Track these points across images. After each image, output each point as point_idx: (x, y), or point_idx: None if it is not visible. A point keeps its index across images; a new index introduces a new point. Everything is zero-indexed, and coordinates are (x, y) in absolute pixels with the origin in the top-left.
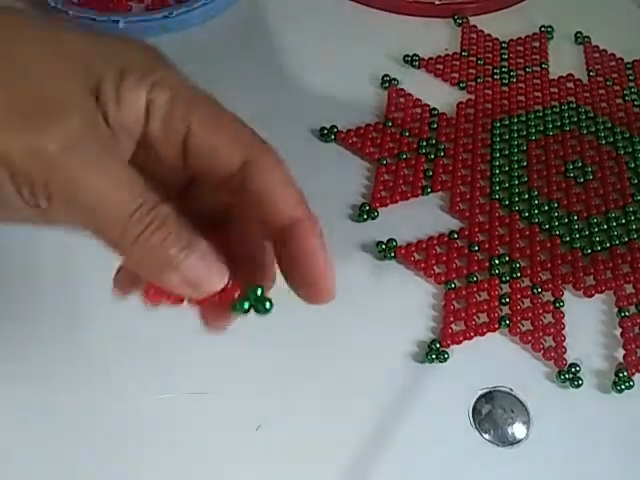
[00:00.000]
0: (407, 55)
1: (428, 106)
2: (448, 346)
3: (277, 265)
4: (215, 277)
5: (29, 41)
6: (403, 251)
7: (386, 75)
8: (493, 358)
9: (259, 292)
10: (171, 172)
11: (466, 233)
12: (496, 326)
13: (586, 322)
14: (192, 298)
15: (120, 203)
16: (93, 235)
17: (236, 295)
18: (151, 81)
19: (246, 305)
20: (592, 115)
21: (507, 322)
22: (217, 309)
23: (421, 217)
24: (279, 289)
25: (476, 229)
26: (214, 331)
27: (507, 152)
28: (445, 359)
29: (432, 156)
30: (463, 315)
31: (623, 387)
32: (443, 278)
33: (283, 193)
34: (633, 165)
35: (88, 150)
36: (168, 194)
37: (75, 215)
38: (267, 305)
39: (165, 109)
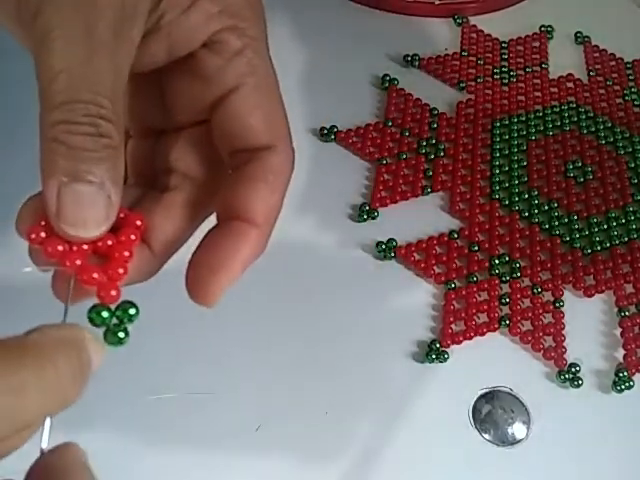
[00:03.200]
0: (407, 55)
1: (428, 106)
2: (448, 346)
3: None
4: (91, 222)
5: None
6: (403, 251)
7: (386, 75)
8: (493, 358)
9: (130, 312)
10: (192, 111)
11: (466, 233)
12: (496, 326)
13: (586, 322)
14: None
15: (84, 80)
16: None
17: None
18: (221, 25)
19: (105, 314)
20: (592, 115)
21: (507, 322)
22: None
23: (421, 217)
24: (280, 290)
25: (476, 229)
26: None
27: (507, 152)
28: (445, 359)
29: (432, 156)
30: (463, 315)
31: (623, 387)
32: (443, 278)
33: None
34: (633, 165)
35: (93, 19)
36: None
37: (40, 69)
38: (120, 335)
39: (228, 58)
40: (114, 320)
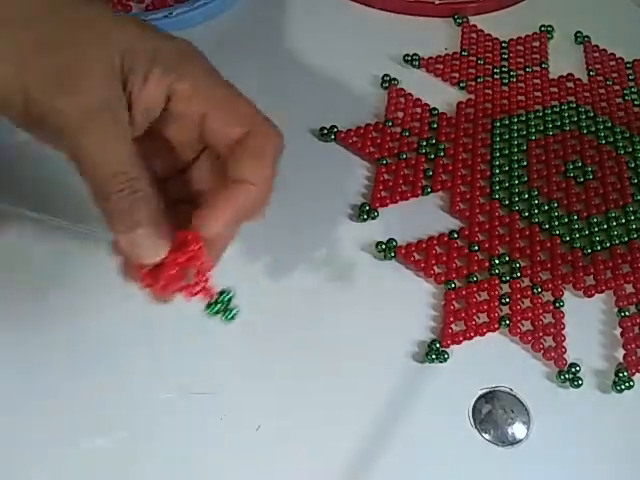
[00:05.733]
0: (407, 55)
1: (428, 106)
2: (448, 346)
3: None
4: (153, 251)
5: (84, 17)
6: (403, 251)
7: (386, 75)
8: (493, 358)
9: (226, 298)
10: (181, 137)
11: (466, 233)
12: (496, 326)
13: (586, 322)
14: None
15: (112, 169)
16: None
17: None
18: (176, 74)
19: (215, 309)
20: (592, 115)
21: (507, 322)
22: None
23: (421, 217)
24: (280, 290)
25: (476, 229)
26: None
27: (507, 152)
28: (445, 359)
29: (432, 156)
30: (463, 315)
31: (623, 387)
32: (443, 278)
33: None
34: (633, 165)
35: (102, 122)
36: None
37: (77, 163)
38: (229, 315)
39: (187, 98)
40: (220, 307)
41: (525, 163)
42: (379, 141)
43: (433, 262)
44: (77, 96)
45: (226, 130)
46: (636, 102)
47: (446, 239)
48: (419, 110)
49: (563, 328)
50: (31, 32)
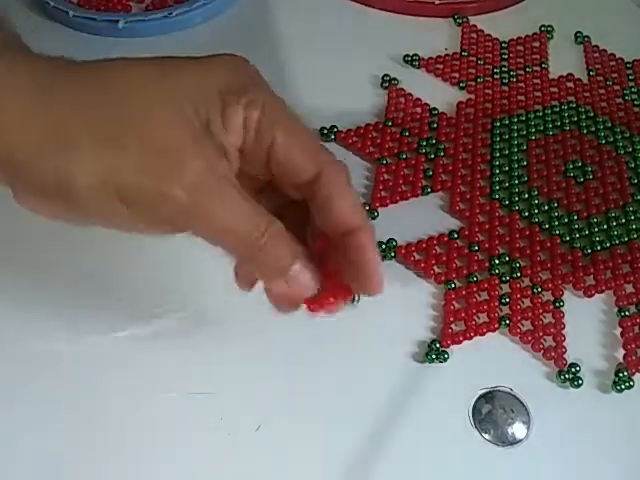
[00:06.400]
0: (407, 55)
1: (428, 106)
2: (448, 346)
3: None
4: (312, 282)
5: (141, 87)
6: (403, 251)
7: (386, 75)
8: (493, 358)
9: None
10: (261, 173)
11: (466, 233)
12: (496, 326)
13: (586, 322)
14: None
15: (245, 232)
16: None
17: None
18: (245, 101)
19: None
20: (592, 115)
21: (507, 322)
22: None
23: (421, 217)
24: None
25: (476, 229)
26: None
27: (507, 152)
28: (445, 359)
29: (432, 156)
30: (463, 315)
31: (623, 387)
32: (443, 278)
33: (343, 203)
34: (633, 165)
35: (212, 190)
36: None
37: (208, 239)
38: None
39: (256, 125)
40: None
41: (525, 163)
42: (379, 141)
43: (433, 262)
44: (178, 178)
45: (297, 169)
46: (636, 102)
47: (446, 239)
48: (419, 110)
49: (563, 328)
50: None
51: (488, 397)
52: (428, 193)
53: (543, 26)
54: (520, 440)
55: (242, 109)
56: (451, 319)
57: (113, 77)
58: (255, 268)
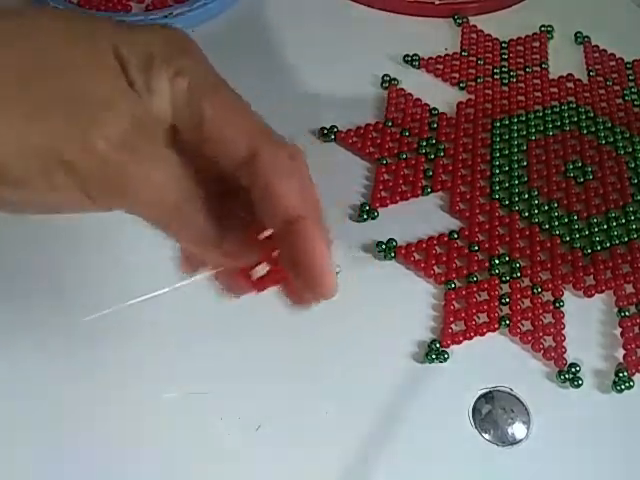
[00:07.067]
0: (407, 55)
1: (428, 106)
2: (448, 346)
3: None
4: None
5: (64, 39)
6: (403, 251)
7: (386, 75)
8: (493, 358)
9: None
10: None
11: (466, 233)
12: (496, 326)
13: (586, 322)
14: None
15: (170, 199)
16: (140, 218)
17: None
18: (173, 69)
19: None
20: (592, 115)
21: (507, 322)
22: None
23: (421, 217)
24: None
25: (476, 229)
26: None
27: (507, 152)
28: (445, 359)
29: (432, 156)
30: (463, 315)
31: (623, 387)
32: (443, 278)
33: (284, 188)
34: (633, 165)
35: (139, 148)
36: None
37: (126, 206)
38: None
39: (186, 96)
40: None
41: (525, 163)
42: (379, 141)
43: (433, 262)
44: (98, 128)
45: (230, 145)
46: (636, 102)
47: (446, 239)
48: (419, 110)
49: (563, 328)
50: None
51: (488, 397)
52: (428, 193)
53: (543, 26)
54: (520, 440)
55: (169, 76)
56: (451, 319)
57: (33, 31)
58: (179, 240)
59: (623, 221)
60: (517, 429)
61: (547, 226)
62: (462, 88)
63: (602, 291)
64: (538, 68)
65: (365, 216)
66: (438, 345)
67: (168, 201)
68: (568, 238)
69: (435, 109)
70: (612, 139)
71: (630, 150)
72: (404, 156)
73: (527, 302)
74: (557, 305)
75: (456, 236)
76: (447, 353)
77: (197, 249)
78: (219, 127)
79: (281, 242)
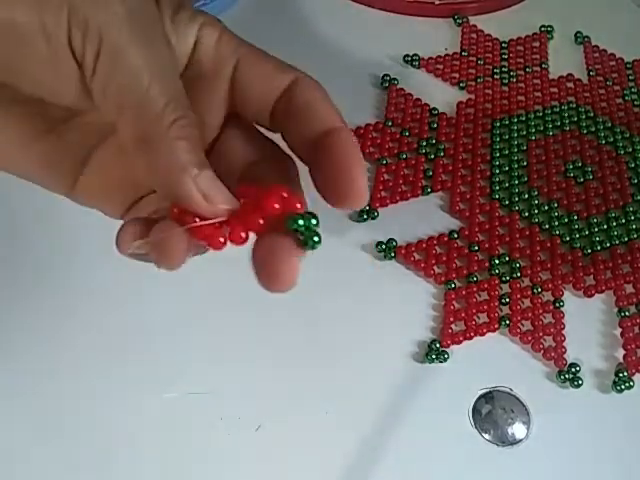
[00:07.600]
0: (407, 55)
1: (428, 106)
2: (448, 346)
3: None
4: (227, 195)
5: None
6: (403, 251)
7: (386, 75)
8: (493, 358)
9: (314, 222)
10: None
11: (466, 233)
12: (496, 326)
13: (586, 322)
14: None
15: (160, 91)
16: (124, 119)
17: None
18: (202, 20)
19: (300, 222)
20: (592, 115)
21: (507, 322)
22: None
23: (421, 217)
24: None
25: (476, 229)
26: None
27: (507, 152)
28: (445, 359)
29: (432, 156)
30: (463, 315)
31: (623, 387)
32: (443, 278)
33: (324, 106)
34: (633, 165)
35: (144, 30)
36: None
37: (114, 91)
38: (316, 238)
39: (215, 46)
40: (304, 224)
41: (525, 163)
42: (379, 141)
43: (433, 262)
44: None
45: (268, 81)
46: (636, 102)
47: (446, 239)
48: (419, 110)
49: (563, 328)
50: None
51: (488, 397)
52: (428, 193)
53: (543, 26)
54: (520, 440)
55: (196, 28)
56: (451, 319)
57: None
58: (154, 155)
59: (623, 221)
60: (517, 429)
61: (547, 226)
62: (462, 88)
63: (602, 291)
64: (538, 68)
65: (365, 216)
66: (438, 345)
67: (157, 98)
68: (568, 238)
69: (435, 109)
70: (612, 139)
71: (630, 150)
72: (404, 156)
73: (527, 302)
74: (557, 305)
75: (456, 236)
76: (447, 353)
77: (174, 187)
78: (257, 66)
79: (319, 153)
